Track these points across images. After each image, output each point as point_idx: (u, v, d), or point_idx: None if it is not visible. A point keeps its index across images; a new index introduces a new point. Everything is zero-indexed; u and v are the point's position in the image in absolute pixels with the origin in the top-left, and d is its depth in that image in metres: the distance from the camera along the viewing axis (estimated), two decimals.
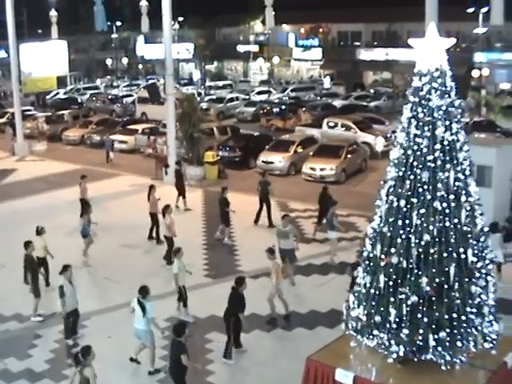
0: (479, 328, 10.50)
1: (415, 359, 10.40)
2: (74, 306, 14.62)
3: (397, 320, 10.32)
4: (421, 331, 10.16)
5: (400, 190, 10.54)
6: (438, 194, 10.30)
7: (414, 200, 10.39)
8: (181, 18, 70.65)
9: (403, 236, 10.43)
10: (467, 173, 10.62)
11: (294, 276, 17.76)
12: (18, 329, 15.70)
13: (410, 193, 10.44)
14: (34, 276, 16.03)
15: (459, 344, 10.27)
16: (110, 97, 57.87)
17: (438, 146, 10.36)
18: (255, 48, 76.57)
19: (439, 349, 10.20)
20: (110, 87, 73.28)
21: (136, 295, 13.39)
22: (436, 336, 10.15)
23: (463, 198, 10.47)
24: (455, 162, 10.45)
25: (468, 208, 10.52)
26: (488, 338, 10.68)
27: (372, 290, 10.68)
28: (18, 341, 15.09)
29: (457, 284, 10.23)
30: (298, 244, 18.26)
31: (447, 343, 10.19)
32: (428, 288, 10.15)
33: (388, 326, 10.41)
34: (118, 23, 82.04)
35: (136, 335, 13.64)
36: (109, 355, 13.65)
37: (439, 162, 10.35)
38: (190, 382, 12.01)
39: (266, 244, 17.18)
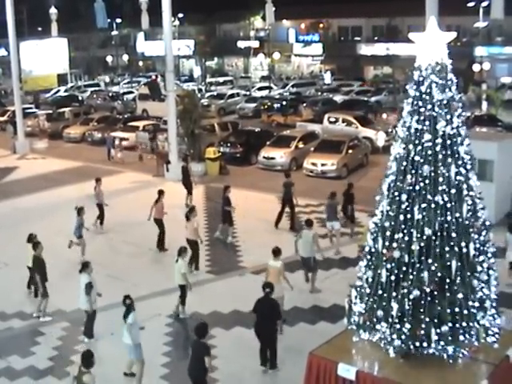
0: (481, 322, 10.51)
1: (417, 353, 10.42)
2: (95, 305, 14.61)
3: (399, 314, 10.33)
4: (423, 325, 10.17)
5: (401, 185, 10.55)
6: (440, 188, 10.30)
7: (416, 194, 10.40)
8: (181, 15, 70.63)
9: (405, 230, 10.44)
10: (468, 167, 10.63)
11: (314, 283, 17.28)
12: (20, 326, 15.71)
13: (411, 187, 10.44)
14: (42, 276, 15.91)
15: (461, 338, 10.29)
16: (110, 94, 57.68)
17: (439, 140, 10.37)
18: (256, 44, 76.39)
19: (441, 343, 10.22)
20: (111, 84, 73.21)
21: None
22: (438, 330, 10.16)
23: (465, 192, 10.48)
24: (456, 156, 10.46)
25: (469, 202, 10.53)
26: (490, 332, 10.69)
27: (374, 285, 10.70)
28: (21, 338, 15.12)
29: (459, 278, 10.24)
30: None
31: (449, 337, 10.21)
32: (430, 282, 10.15)
33: (390, 320, 10.42)
34: (118, 20, 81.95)
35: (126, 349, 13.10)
36: (111, 352, 13.69)
37: (440, 156, 10.36)
38: None
39: (268, 240, 17.20)
